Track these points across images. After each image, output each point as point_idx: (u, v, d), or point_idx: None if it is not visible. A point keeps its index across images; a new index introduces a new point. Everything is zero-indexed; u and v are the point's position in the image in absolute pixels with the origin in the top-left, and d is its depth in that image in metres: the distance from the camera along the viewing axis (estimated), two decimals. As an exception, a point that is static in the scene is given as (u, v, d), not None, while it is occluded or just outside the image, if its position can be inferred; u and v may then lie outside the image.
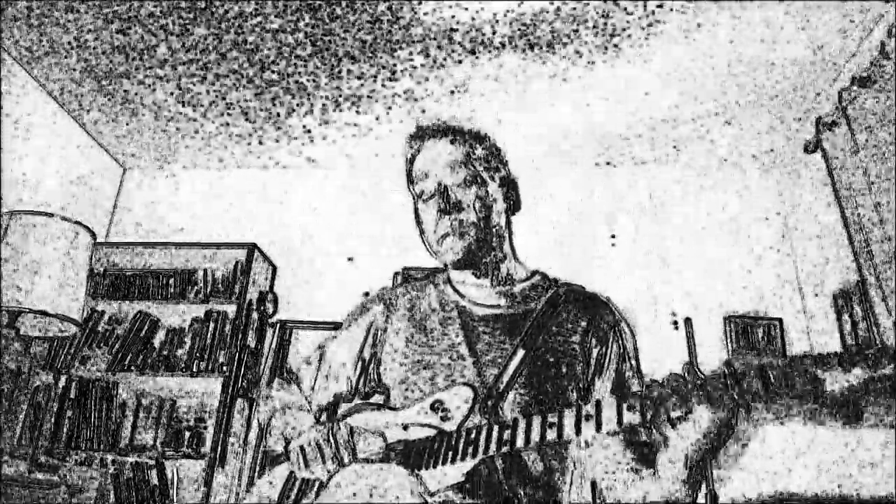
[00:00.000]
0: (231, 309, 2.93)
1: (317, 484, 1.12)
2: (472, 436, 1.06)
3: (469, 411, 1.10)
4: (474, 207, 1.23)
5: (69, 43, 2.65)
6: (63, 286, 2.15)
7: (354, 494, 1.05)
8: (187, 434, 2.82)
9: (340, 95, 2.89)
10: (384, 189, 3.33)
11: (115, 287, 3.05)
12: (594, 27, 2.45)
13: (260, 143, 3.27)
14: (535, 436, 1.00)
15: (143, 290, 3.02)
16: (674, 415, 0.94)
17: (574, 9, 2.37)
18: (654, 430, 0.97)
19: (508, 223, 1.31)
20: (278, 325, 3.06)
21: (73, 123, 3.17)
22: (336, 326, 1.38)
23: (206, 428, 2.84)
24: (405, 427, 1.13)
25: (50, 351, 2.92)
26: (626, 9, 2.35)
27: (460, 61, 2.65)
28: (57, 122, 3.06)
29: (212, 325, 2.93)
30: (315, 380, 1.31)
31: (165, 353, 2.94)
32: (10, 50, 2.71)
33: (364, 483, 1.06)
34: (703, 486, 2.56)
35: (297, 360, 2.98)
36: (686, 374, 0.96)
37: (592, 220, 3.15)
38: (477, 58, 2.63)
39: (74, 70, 2.82)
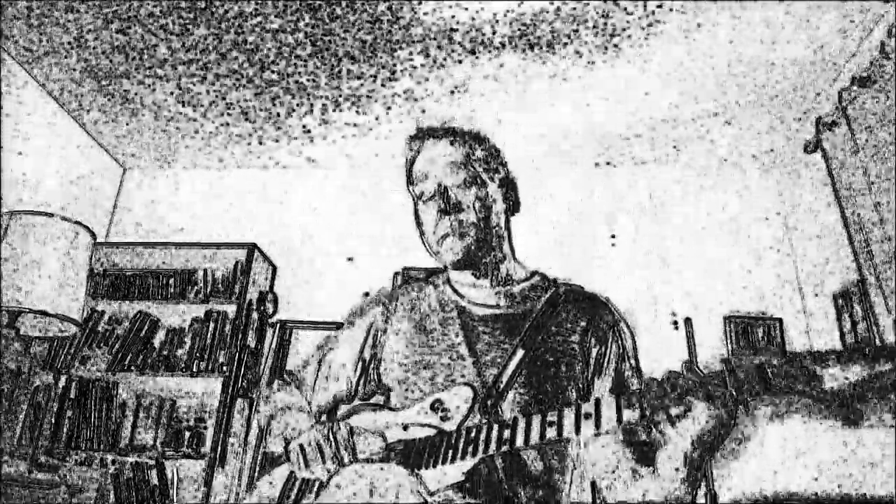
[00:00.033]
0: (231, 309, 2.93)
1: (317, 484, 1.12)
2: (472, 435, 1.06)
3: (469, 411, 1.10)
4: (474, 208, 1.24)
5: (69, 43, 2.65)
6: (63, 286, 2.15)
7: (354, 494, 1.05)
8: (187, 434, 2.82)
9: (340, 95, 2.89)
10: (384, 189, 3.33)
11: (115, 287, 3.05)
12: (594, 27, 2.45)
13: (260, 143, 3.28)
14: (535, 435, 1.01)
15: (143, 290, 3.02)
16: (673, 412, 0.94)
17: (574, 9, 2.37)
18: (653, 429, 0.97)
19: (508, 224, 1.32)
20: (278, 325, 3.06)
21: (73, 123, 3.17)
22: (336, 326, 1.38)
23: (206, 428, 2.84)
24: (405, 427, 1.13)
25: (50, 351, 2.92)
26: (626, 9, 2.35)
27: (460, 61, 2.65)
28: (57, 122, 3.06)
29: (212, 325, 2.93)
30: (315, 381, 1.31)
31: (165, 353, 2.94)
32: (10, 50, 2.71)
33: (364, 483, 1.06)
34: (703, 486, 2.56)
35: (296, 360, 2.98)
36: (685, 372, 0.96)
37: (592, 220, 3.15)
38: (477, 58, 2.63)
39: (74, 70, 2.82)
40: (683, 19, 2.38)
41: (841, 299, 2.57)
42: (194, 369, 2.84)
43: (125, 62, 2.75)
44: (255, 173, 3.50)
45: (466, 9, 2.39)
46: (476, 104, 2.90)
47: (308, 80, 2.80)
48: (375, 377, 1.27)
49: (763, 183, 3.17)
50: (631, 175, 3.25)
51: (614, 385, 1.14)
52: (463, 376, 1.15)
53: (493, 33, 2.49)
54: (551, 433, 1.00)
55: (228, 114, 3.05)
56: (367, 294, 2.97)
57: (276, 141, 3.25)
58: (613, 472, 1.06)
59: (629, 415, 0.96)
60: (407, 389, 1.18)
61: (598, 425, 0.97)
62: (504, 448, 1.03)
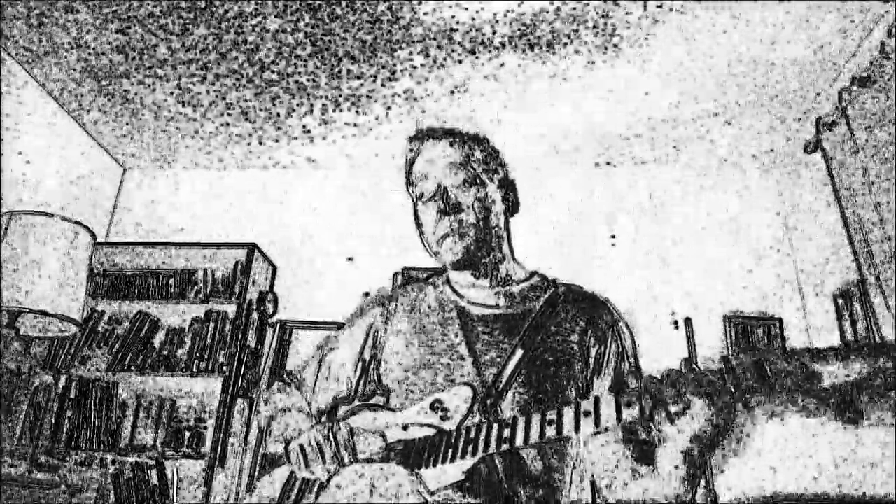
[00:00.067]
0: (231, 309, 2.94)
1: (317, 484, 1.12)
2: (472, 434, 1.06)
3: (468, 410, 1.10)
4: (474, 208, 1.24)
5: (69, 43, 2.66)
6: (63, 286, 2.15)
7: (355, 494, 1.05)
8: (187, 434, 2.82)
9: (340, 95, 2.89)
10: (384, 189, 3.33)
11: (115, 287, 3.05)
12: (594, 27, 2.45)
13: (260, 143, 3.28)
14: (535, 433, 1.01)
15: (143, 290, 3.02)
16: (672, 409, 0.94)
17: (574, 9, 2.37)
18: (652, 426, 0.97)
19: (507, 224, 1.32)
20: (278, 325, 3.06)
21: (73, 123, 3.17)
22: (337, 327, 1.38)
23: (206, 428, 2.84)
24: (405, 427, 1.13)
25: (50, 351, 2.92)
26: (626, 9, 2.35)
27: (460, 61, 2.65)
28: (57, 122, 3.06)
29: (212, 325, 2.93)
30: (315, 381, 1.31)
31: (165, 353, 2.94)
32: (10, 50, 2.72)
33: (364, 483, 1.06)
34: (703, 486, 2.56)
35: (296, 360, 2.98)
36: (683, 370, 0.96)
37: (592, 220, 3.15)
38: (477, 58, 2.63)
39: (74, 70, 2.82)
40: (683, 19, 2.38)
41: (841, 299, 2.57)
42: (194, 369, 2.84)
43: (125, 62, 2.75)
44: (255, 173, 3.50)
45: (466, 9, 2.39)
46: (476, 104, 2.90)
47: (308, 80, 2.80)
48: (375, 378, 1.27)
49: (763, 183, 3.17)
50: (631, 175, 3.25)
51: (614, 384, 1.15)
52: (462, 376, 1.15)
53: (493, 33, 2.50)
54: (551, 432, 1.00)
55: (228, 114, 3.05)
56: (367, 294, 2.97)
57: (276, 141, 3.25)
58: (613, 471, 1.06)
59: (628, 412, 0.96)
60: (407, 390, 1.19)
61: (597, 423, 0.97)
62: (504, 447, 1.03)
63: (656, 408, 0.95)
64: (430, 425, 1.11)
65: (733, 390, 0.91)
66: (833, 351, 0.86)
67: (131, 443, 2.83)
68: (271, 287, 3.16)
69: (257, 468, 2.72)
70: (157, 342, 2.98)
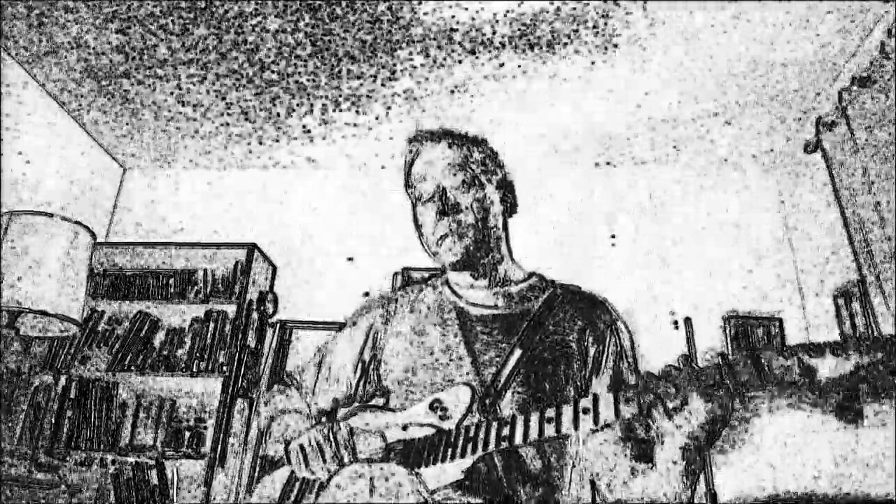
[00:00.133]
0: (231, 309, 2.94)
1: (317, 484, 1.12)
2: (471, 433, 1.06)
3: (467, 410, 1.10)
4: (472, 209, 1.24)
5: (69, 43, 2.66)
6: (63, 286, 2.16)
7: (355, 494, 1.05)
8: (187, 434, 2.82)
9: (340, 95, 2.89)
10: (384, 189, 3.34)
11: (115, 287, 3.05)
12: (594, 27, 2.45)
13: (260, 143, 3.28)
14: (534, 431, 1.01)
15: (143, 290, 3.02)
16: (670, 405, 0.94)
17: (574, 9, 2.37)
18: (650, 423, 0.98)
19: (505, 225, 1.32)
20: (278, 325, 3.06)
21: (73, 123, 3.17)
22: (337, 326, 1.39)
23: (206, 428, 2.84)
24: (404, 427, 1.13)
25: (50, 351, 2.92)
26: (626, 9, 2.35)
27: (460, 61, 2.65)
28: (57, 122, 3.06)
29: (212, 325, 2.93)
30: (315, 383, 1.32)
31: (165, 353, 2.94)
32: (10, 50, 2.72)
33: (364, 483, 1.06)
34: (703, 485, 2.56)
35: (296, 360, 2.99)
36: (681, 366, 0.96)
37: (592, 220, 3.15)
38: (477, 58, 2.63)
39: (74, 70, 2.82)
40: (683, 19, 2.38)
41: (841, 299, 2.57)
42: (194, 369, 2.84)
43: (125, 62, 2.75)
44: (255, 173, 3.50)
45: (466, 9, 2.39)
46: (476, 104, 2.90)
47: (308, 80, 2.80)
48: (375, 379, 1.28)
49: (763, 183, 3.17)
50: (631, 175, 3.25)
51: (612, 383, 1.15)
52: (461, 376, 1.15)
53: (493, 33, 2.50)
54: (550, 430, 1.00)
55: (228, 114, 3.06)
56: (367, 294, 2.97)
57: (276, 141, 3.25)
58: (612, 469, 1.06)
59: (627, 409, 0.96)
60: (406, 390, 1.19)
61: (596, 421, 0.98)
62: (503, 445, 1.03)
63: (654, 403, 0.95)
64: (429, 425, 1.11)
65: (730, 385, 0.91)
66: (829, 345, 0.86)
67: (131, 443, 2.84)
68: (271, 287, 3.16)
69: (257, 469, 2.72)
70: (157, 342, 2.98)
